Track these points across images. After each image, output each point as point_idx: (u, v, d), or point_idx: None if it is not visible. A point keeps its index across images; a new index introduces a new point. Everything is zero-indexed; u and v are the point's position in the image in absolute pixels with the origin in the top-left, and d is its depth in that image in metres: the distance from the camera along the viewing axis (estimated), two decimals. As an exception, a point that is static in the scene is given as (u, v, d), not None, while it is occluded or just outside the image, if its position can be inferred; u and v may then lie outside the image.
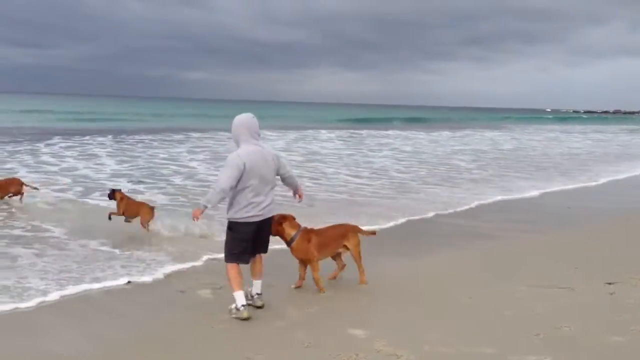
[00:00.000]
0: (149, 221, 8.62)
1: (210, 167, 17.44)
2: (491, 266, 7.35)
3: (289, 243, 6.03)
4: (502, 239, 9.02)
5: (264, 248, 5.74)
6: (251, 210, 5.37)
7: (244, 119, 5.45)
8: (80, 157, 19.15)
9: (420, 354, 4.57)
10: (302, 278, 6.24)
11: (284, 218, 5.99)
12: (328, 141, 30.65)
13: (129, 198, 8.92)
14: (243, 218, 5.37)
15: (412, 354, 4.55)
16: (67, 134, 28.71)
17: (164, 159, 19.50)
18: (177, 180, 14.63)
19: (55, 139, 25.32)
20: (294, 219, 6.10)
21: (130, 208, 8.72)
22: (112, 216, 8.71)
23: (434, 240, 8.91)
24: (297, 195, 5.97)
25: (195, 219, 5.47)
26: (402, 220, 10.31)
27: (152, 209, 8.77)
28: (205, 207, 5.34)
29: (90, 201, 11.48)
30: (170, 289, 6.36)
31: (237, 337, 5.01)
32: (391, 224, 10.03)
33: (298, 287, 6.23)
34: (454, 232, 9.54)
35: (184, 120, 48.78)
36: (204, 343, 4.88)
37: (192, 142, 27.33)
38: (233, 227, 5.44)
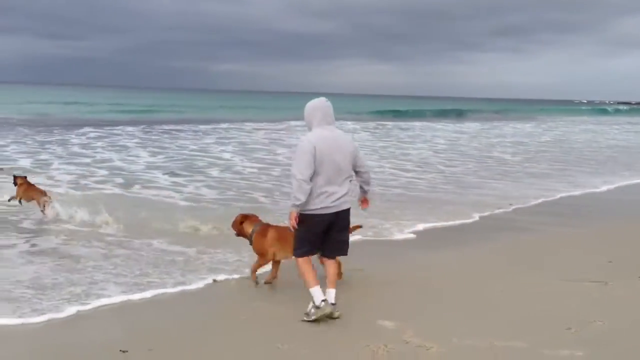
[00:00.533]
0: (44, 205, 9.08)
1: (244, 159, 17.56)
2: (524, 259, 7.30)
3: (250, 241, 5.96)
4: (538, 232, 8.98)
5: (339, 249, 5.24)
6: (324, 201, 4.90)
7: (318, 103, 5.08)
8: (111, 148, 19.53)
9: (449, 346, 4.53)
10: (273, 276, 6.05)
11: (245, 217, 6.05)
12: (354, 132, 30.49)
13: (29, 184, 9.49)
14: (314, 210, 4.91)
15: (441, 346, 4.51)
16: (96, 124, 29.30)
17: (193, 150, 19.70)
18: (214, 172, 14.70)
19: (86, 129, 25.87)
20: (257, 218, 6.09)
21: (27, 193, 9.34)
22: (11, 200, 9.42)
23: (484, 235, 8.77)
24: (362, 201, 5.41)
25: (293, 226, 4.98)
26: (485, 214, 10.23)
27: (47, 194, 9.30)
28: (296, 205, 4.87)
29: (136, 195, 11.49)
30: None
31: (266, 326, 5.03)
32: (475, 217, 9.95)
33: (268, 283, 6.02)
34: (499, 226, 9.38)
35: (212, 112, 49.18)
36: (232, 332, 4.91)
37: (219, 133, 27.57)
38: (303, 219, 4.95)
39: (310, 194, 4.85)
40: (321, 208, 4.93)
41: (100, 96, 73.26)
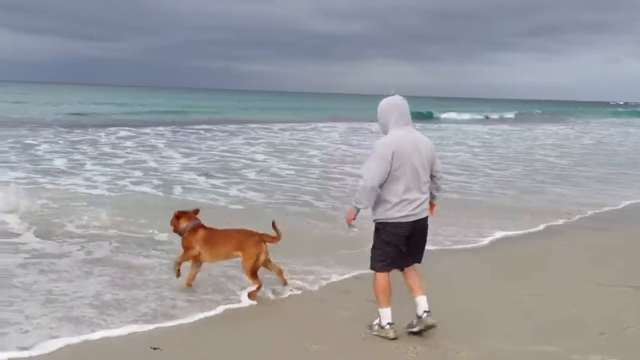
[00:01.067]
0: None
1: (279, 160, 17.14)
2: (560, 264, 7.25)
3: (182, 236, 5.78)
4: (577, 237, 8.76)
5: (418, 256, 4.84)
6: (403, 209, 4.51)
7: (393, 101, 4.66)
8: (142, 148, 19.28)
9: (479, 350, 4.45)
10: (192, 277, 5.79)
11: (182, 213, 5.88)
12: (377, 134, 29.88)
13: None
14: (394, 218, 4.53)
15: (471, 350, 4.43)
16: (126, 124, 29.17)
17: (224, 150, 19.45)
18: (251, 174, 14.24)
19: (116, 129, 25.88)
20: (196, 215, 5.88)
21: None
22: None
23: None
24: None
25: (349, 223, 4.70)
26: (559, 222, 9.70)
27: None
28: (357, 208, 4.57)
29: (179, 198, 11.00)
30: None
31: (295, 327, 4.95)
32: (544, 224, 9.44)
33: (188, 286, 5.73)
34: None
35: (240, 112, 49.15)
36: (263, 332, 4.81)
37: (246, 133, 27.52)
38: (381, 229, 4.61)
39: (389, 202, 4.50)
40: (401, 217, 4.52)
41: (129, 96, 73.80)
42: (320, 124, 32.77)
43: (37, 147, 17.98)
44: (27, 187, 10.80)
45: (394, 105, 4.63)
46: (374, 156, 4.50)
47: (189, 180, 13.10)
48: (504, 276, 6.60)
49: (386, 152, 4.44)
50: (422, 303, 4.68)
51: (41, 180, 12.04)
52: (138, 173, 13.80)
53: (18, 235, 7.65)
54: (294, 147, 21.41)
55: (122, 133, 24.41)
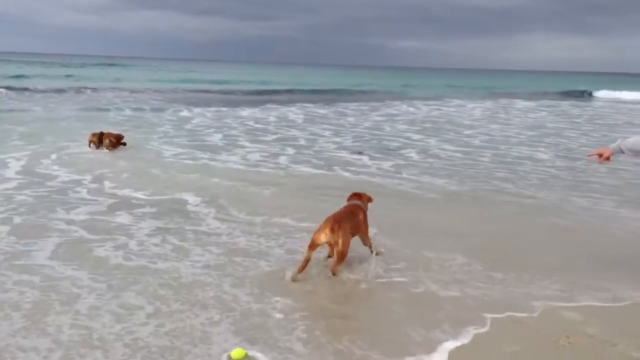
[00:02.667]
0: None
1: (438, 140, 15.72)
2: None
3: None
4: None
5: None
6: None
7: None
8: (285, 124, 18.90)
9: (636, 345, 4.16)
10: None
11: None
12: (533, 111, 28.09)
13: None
14: None
15: (630, 344, 4.19)
16: (277, 101, 29.61)
17: (368, 127, 18.68)
18: (413, 155, 13.07)
19: (268, 105, 26.25)
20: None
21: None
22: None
23: None
24: None
25: (601, 160, 4.78)
26: None
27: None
28: (621, 151, 4.63)
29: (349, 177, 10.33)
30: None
31: None
32: None
33: None
34: None
35: (387, 89, 47.96)
36: None
37: (385, 108, 27.23)
38: None
39: None
40: None
41: (285, 74, 75.83)
42: (460, 101, 31.36)
43: (192, 120, 18.33)
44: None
45: None
46: None
47: (351, 159, 12.25)
48: None
49: None
50: None
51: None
52: (291, 150, 13.24)
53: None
54: (441, 125, 20.09)
55: (272, 109, 24.62)
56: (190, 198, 8.28)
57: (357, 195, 5.92)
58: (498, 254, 6.20)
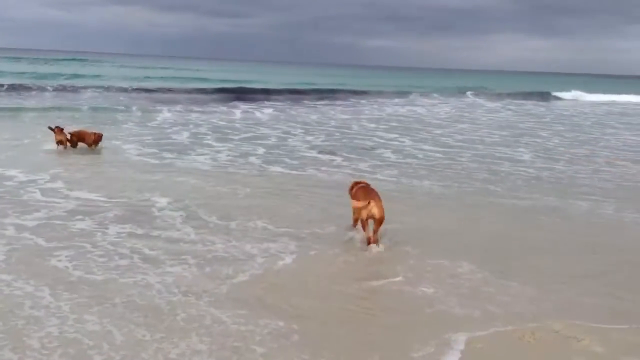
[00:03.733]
0: None
1: (409, 138, 15.41)
2: None
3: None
4: None
5: None
6: None
7: None
8: (252, 121, 18.33)
9: (605, 341, 4.13)
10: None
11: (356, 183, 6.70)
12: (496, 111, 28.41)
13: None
14: None
15: (595, 340, 4.13)
16: (246, 99, 28.74)
17: (337, 127, 18.17)
18: (390, 155, 12.71)
19: (236, 103, 25.58)
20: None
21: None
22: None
23: None
24: None
25: None
26: None
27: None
28: None
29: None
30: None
31: None
32: None
33: None
34: None
35: (354, 87, 47.47)
36: None
37: (351, 107, 27.17)
38: None
39: None
40: None
41: (255, 71, 74.30)
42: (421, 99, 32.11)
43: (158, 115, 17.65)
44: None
45: None
46: None
47: (324, 160, 11.79)
48: None
49: None
50: None
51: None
52: (261, 150, 12.71)
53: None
54: (409, 124, 19.83)
55: (244, 106, 24.02)
56: (158, 200, 7.67)
57: (359, 183, 6.73)
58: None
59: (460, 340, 4.12)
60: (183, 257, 5.57)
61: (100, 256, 5.53)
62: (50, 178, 8.75)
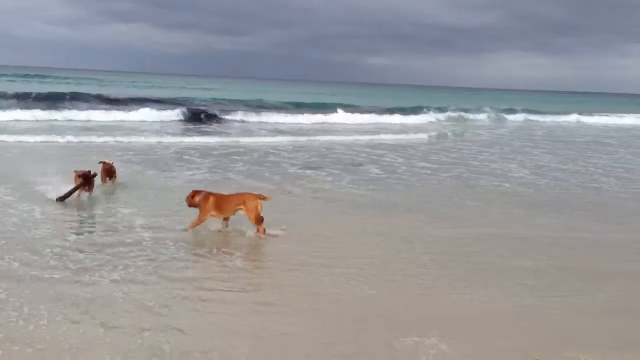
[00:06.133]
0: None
1: (395, 154, 15.47)
2: None
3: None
4: None
5: None
6: None
7: None
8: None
9: None
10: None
11: (196, 192, 7.35)
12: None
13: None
14: None
15: None
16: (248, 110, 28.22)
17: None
18: (375, 170, 12.75)
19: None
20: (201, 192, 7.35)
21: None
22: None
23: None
24: None
25: None
26: None
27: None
28: None
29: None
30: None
31: None
32: None
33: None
34: None
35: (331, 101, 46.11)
36: None
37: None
38: None
39: None
40: None
41: (256, 89, 73.50)
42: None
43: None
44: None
45: None
46: None
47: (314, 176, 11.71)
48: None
49: None
50: None
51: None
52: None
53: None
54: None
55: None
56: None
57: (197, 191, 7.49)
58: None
59: None
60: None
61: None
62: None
